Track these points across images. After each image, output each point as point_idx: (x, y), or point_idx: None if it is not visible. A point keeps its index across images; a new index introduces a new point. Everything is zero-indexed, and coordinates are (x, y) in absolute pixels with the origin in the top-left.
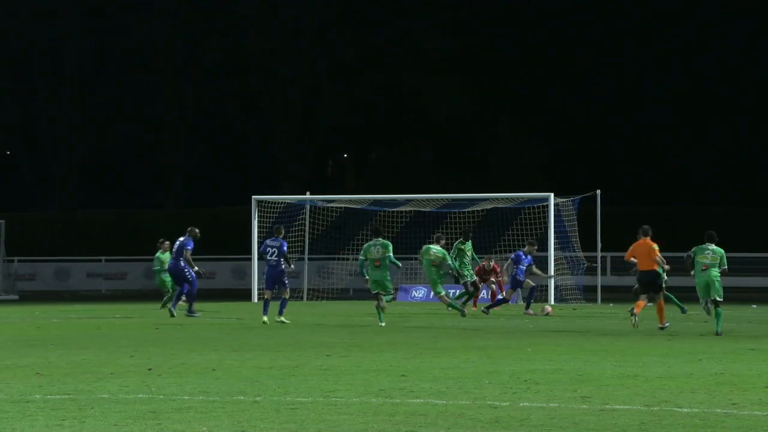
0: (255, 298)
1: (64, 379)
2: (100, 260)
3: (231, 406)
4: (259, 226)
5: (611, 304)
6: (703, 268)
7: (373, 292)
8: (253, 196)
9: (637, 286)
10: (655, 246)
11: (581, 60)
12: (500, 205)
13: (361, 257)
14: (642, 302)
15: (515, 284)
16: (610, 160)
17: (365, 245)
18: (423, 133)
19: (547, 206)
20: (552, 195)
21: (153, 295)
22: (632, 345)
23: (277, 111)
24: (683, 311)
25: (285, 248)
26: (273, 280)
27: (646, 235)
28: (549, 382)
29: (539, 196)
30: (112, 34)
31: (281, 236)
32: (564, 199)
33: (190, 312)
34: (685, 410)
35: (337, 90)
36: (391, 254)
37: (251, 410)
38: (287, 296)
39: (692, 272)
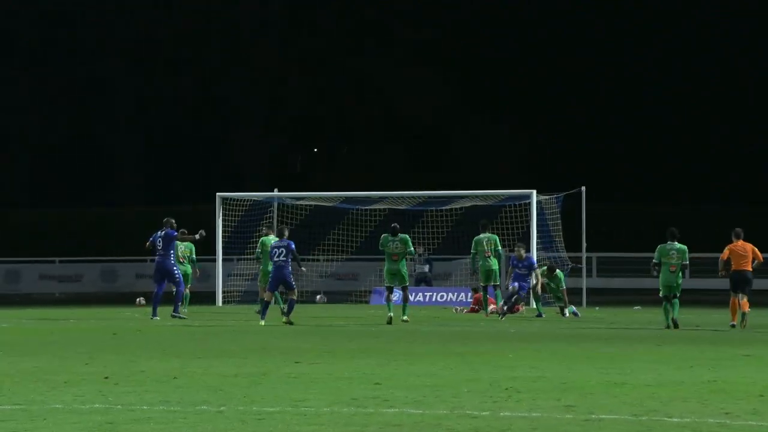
0: (219, 302)
1: (15, 389)
2: (53, 261)
3: (193, 416)
4: (223, 225)
5: (597, 308)
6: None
7: (386, 285)
8: (217, 194)
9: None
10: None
11: (581, 60)
12: (480, 203)
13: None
14: (735, 304)
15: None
16: (609, 160)
17: (383, 238)
18: (397, 128)
19: (530, 204)
20: (534, 192)
21: (109, 298)
22: (619, 351)
23: (242, 103)
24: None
25: (293, 247)
26: (278, 281)
27: (739, 237)
28: (531, 390)
29: (521, 193)
30: (64, 25)
31: (286, 236)
32: (547, 197)
33: (176, 312)
34: (676, 420)
35: (305, 82)
36: (412, 248)
37: (215, 421)
38: (295, 297)
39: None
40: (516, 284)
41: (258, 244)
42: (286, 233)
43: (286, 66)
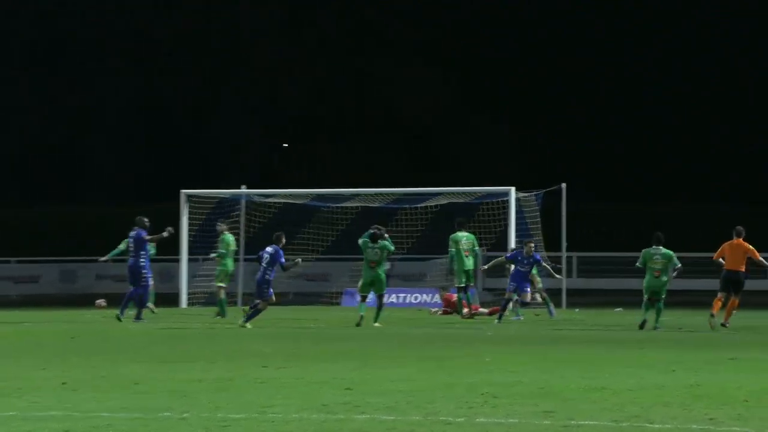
0: (183, 303)
1: None
2: (9, 262)
3: (155, 423)
4: (189, 224)
5: (577, 309)
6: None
7: (361, 294)
8: (181, 191)
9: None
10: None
11: (581, 60)
12: (456, 201)
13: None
14: (719, 302)
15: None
16: (609, 160)
17: (362, 242)
18: (396, 128)
19: (508, 201)
20: (513, 189)
21: (68, 300)
22: (599, 354)
23: (242, 103)
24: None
25: (280, 258)
26: (258, 288)
27: (739, 235)
28: (508, 396)
29: (499, 190)
30: (64, 25)
31: (280, 244)
32: (526, 194)
33: (139, 318)
34: (657, 426)
35: (305, 82)
36: (392, 247)
37: (178, 428)
38: (263, 308)
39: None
40: (513, 285)
41: (221, 244)
42: (283, 240)
43: (286, 66)
